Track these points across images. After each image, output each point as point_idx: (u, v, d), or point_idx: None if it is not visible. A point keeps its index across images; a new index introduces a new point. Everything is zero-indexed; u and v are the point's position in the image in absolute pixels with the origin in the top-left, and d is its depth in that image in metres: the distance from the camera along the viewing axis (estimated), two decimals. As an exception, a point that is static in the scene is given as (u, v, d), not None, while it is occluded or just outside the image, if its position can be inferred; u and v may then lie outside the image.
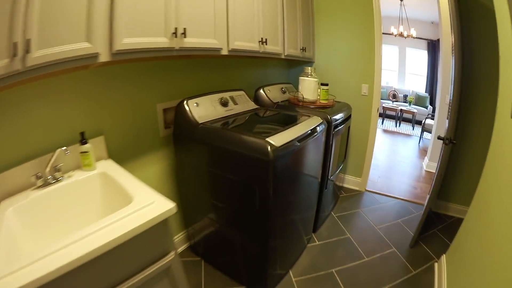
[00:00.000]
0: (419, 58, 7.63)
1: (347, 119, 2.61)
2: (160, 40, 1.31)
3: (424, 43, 7.41)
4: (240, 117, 1.97)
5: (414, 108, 7.02)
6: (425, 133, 5.60)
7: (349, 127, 2.80)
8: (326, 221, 2.70)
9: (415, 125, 7.02)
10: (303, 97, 2.40)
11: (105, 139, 1.54)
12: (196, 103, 1.78)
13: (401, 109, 6.95)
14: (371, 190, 3.33)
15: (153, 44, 1.29)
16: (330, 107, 2.43)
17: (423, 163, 4.30)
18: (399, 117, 7.13)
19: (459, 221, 2.82)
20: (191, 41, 1.44)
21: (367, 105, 2.99)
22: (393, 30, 6.96)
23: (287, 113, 2.20)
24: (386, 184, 3.57)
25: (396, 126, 7.11)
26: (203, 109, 1.79)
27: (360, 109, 3.02)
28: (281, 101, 2.56)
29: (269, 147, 1.41)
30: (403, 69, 8.06)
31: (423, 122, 5.61)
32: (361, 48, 2.86)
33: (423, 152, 5.11)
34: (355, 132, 3.11)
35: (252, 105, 2.21)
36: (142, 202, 1.09)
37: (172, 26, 1.34)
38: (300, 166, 1.79)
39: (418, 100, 7.40)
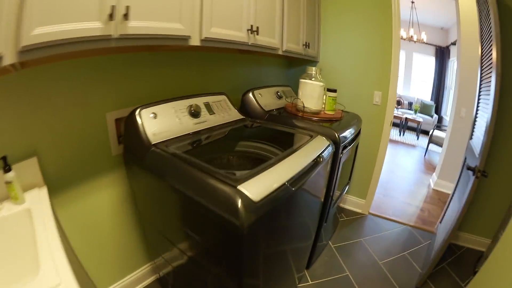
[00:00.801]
0: (426, 64, 7.25)
1: (357, 135, 2.16)
2: (91, 26, 0.88)
3: (432, 49, 7.05)
4: (214, 134, 1.49)
5: (419, 117, 6.62)
6: (431, 144, 5.19)
7: (358, 144, 2.36)
8: (322, 253, 2.29)
9: (420, 134, 6.63)
10: (304, 106, 1.93)
11: (39, 160, 1.14)
12: (153, 113, 1.28)
13: (406, 118, 6.54)
14: (375, 213, 2.92)
15: (79, 32, 0.85)
16: (338, 120, 1.96)
17: (431, 179, 3.90)
18: (404, 126, 6.73)
19: (470, 252, 2.47)
20: (137, 26, 1.00)
21: (379, 116, 2.55)
22: (402, 33, 6.58)
23: (281, 129, 1.72)
24: (391, 205, 3.16)
25: (400, 135, 6.71)
26: (162, 122, 1.30)
27: (370, 120, 2.58)
28: (276, 109, 2.09)
29: (240, 203, 0.87)
30: (409, 75, 7.67)
31: (430, 133, 5.19)
32: (375, 48, 2.42)
33: (429, 166, 4.71)
34: (363, 147, 2.66)
35: (235, 115, 1.73)
36: (45, 281, 0.72)
37: (107, 4, 0.90)
38: (293, 216, 1.31)
39: (423, 108, 7.00)
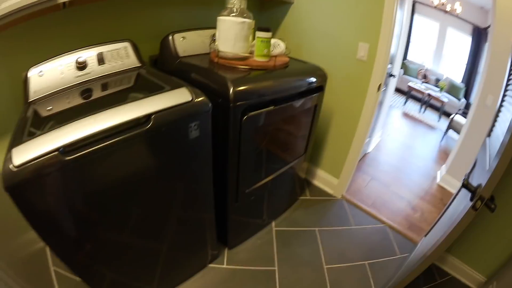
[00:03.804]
0: (461, 43, 6.21)
1: (309, 93, 1.64)
2: None
3: (469, 27, 6.01)
4: (85, 86, 1.26)
5: (445, 97, 5.77)
6: (450, 130, 4.44)
7: (316, 105, 1.79)
8: (258, 234, 1.83)
9: (442, 116, 5.82)
10: (218, 51, 1.46)
11: None
12: (41, 70, 1.17)
13: (429, 94, 5.74)
14: (350, 198, 2.37)
15: None
16: (275, 69, 1.48)
17: (438, 172, 3.22)
18: (426, 102, 5.93)
19: (455, 283, 1.70)
20: None
21: (364, 76, 1.92)
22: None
23: (155, 80, 1.31)
24: (376, 192, 2.58)
25: (420, 111, 5.94)
26: (46, 79, 1.18)
27: (351, 80, 1.99)
28: (202, 55, 1.64)
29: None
30: (441, 50, 6.67)
31: (451, 117, 4.42)
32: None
33: (442, 154, 4.00)
34: (339, 113, 2.13)
35: (129, 64, 1.41)
36: None
37: None
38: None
39: (451, 89, 6.10)
